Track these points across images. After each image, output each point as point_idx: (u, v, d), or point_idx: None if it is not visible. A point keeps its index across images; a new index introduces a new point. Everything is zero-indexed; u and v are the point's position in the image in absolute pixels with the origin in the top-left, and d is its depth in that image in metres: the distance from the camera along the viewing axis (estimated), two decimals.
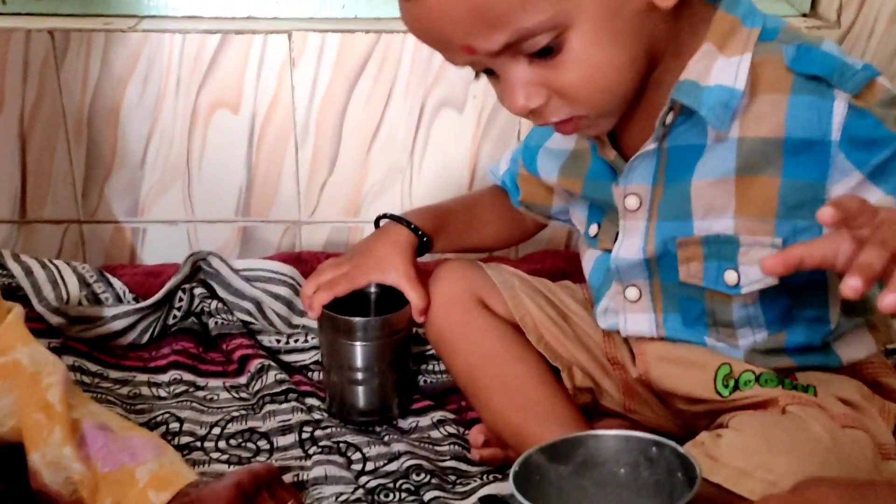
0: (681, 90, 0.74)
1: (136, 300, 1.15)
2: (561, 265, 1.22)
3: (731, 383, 0.81)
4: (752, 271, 0.76)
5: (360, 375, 0.97)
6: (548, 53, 0.69)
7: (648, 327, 0.85)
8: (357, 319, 0.94)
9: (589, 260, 0.89)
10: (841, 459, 0.72)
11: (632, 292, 0.84)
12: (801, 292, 0.78)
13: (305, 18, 1.26)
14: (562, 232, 1.30)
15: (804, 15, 1.27)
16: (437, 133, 1.25)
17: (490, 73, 0.73)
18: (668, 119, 0.75)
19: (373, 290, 0.97)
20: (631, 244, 0.81)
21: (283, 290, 1.16)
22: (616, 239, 0.83)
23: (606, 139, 0.81)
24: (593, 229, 0.87)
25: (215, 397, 1.04)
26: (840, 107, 0.71)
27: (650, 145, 0.77)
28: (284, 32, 1.21)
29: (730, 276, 0.77)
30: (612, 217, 0.84)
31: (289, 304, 1.15)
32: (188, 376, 1.07)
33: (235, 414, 1.01)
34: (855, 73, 0.71)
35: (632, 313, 0.85)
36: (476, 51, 0.69)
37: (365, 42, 1.21)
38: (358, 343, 0.95)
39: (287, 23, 1.24)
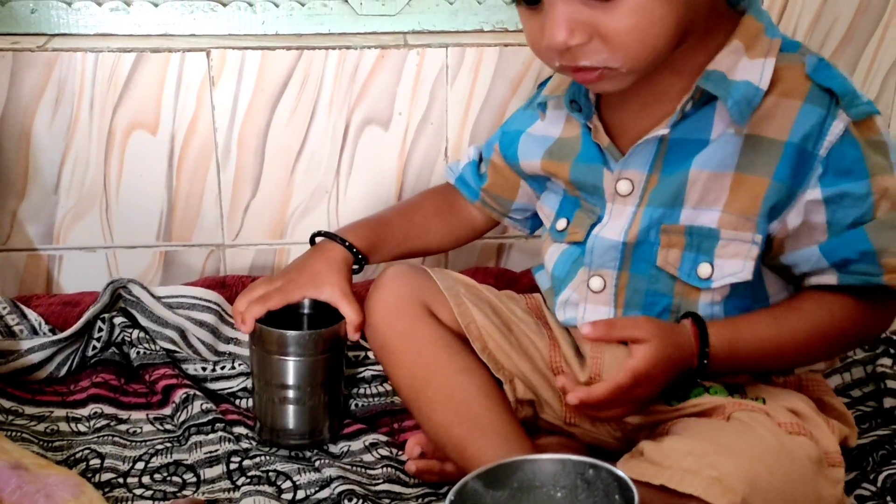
0: (710, 79, 0.76)
1: (53, 332, 1.11)
2: (492, 282, 1.20)
3: (681, 394, 0.82)
4: (728, 265, 0.78)
5: (291, 394, 0.95)
6: None
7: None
8: (290, 333, 0.93)
9: (554, 253, 0.89)
10: (786, 461, 0.73)
11: (596, 282, 0.84)
12: (765, 295, 0.80)
13: (224, 35, 1.24)
14: (492, 248, 1.30)
15: None
16: (362, 151, 1.24)
17: (532, 3, 0.74)
18: (688, 107, 0.77)
19: (306, 310, 0.96)
20: (615, 226, 0.82)
21: (208, 317, 1.13)
22: (592, 228, 0.84)
23: (600, 125, 0.83)
24: (561, 224, 0.88)
25: (138, 430, 1.01)
26: (838, 127, 0.75)
27: (662, 130, 0.78)
28: (203, 50, 1.18)
29: (703, 269, 0.79)
30: (588, 209, 0.85)
31: (214, 331, 1.13)
32: (109, 409, 1.03)
33: (160, 447, 0.97)
34: (862, 102, 0.76)
35: (591, 304, 0.85)
36: None
37: (286, 59, 1.19)
38: (290, 359, 0.94)
39: (205, 40, 1.22)
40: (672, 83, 0.78)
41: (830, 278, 0.77)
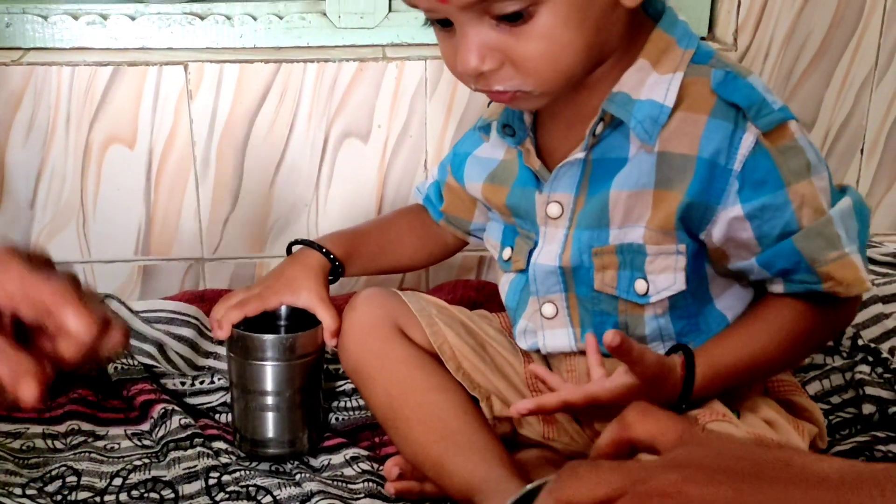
0: (613, 101, 0.76)
1: None
2: (472, 295, 1.21)
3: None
4: (660, 280, 0.78)
5: (269, 400, 0.94)
6: (515, 20, 0.71)
7: (567, 342, 0.85)
8: (268, 337, 0.93)
9: (504, 283, 0.89)
10: None
11: (548, 308, 0.84)
12: (709, 298, 0.80)
13: (202, 49, 1.23)
14: (472, 261, 1.30)
15: (702, 38, 1.29)
16: (342, 164, 1.23)
17: (445, 24, 0.74)
18: (598, 129, 0.77)
19: (283, 319, 0.96)
20: (549, 251, 0.82)
21: (187, 331, 1.12)
22: (531, 253, 0.84)
23: (532, 148, 0.82)
24: (506, 253, 0.88)
25: (116, 446, 0.99)
26: (748, 140, 0.74)
27: (578, 154, 0.78)
28: (180, 63, 1.18)
29: (640, 286, 0.79)
30: (525, 235, 0.85)
31: (193, 346, 1.12)
32: (86, 425, 1.02)
33: (138, 463, 0.96)
34: (771, 111, 0.74)
35: (549, 329, 0.85)
36: (450, 3, 0.70)
37: (264, 72, 1.19)
38: (268, 363, 0.93)
39: (183, 53, 1.21)
40: (592, 103, 0.78)
41: (778, 287, 0.78)
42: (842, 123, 1.31)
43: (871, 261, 1.22)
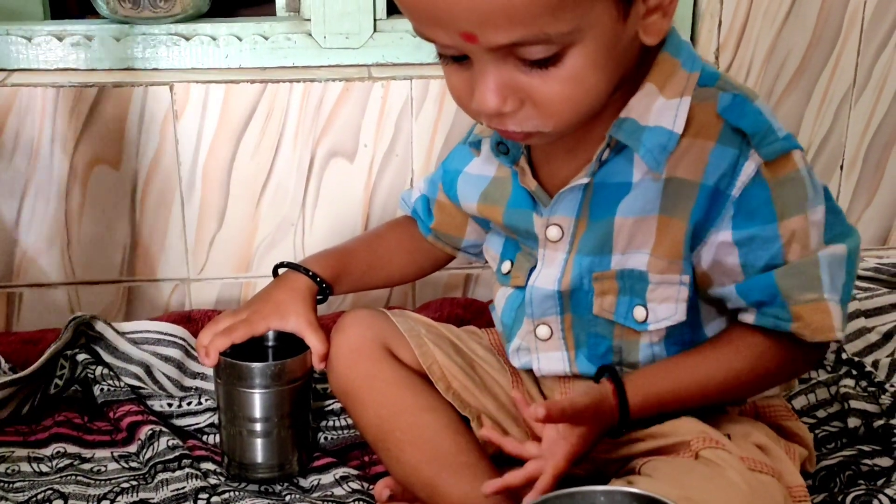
0: (621, 128, 0.74)
1: (14, 370, 1.09)
2: (460, 312, 1.21)
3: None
4: (660, 309, 0.77)
5: (258, 426, 0.94)
6: (543, 64, 0.67)
7: (562, 366, 0.84)
8: (256, 365, 0.92)
9: (501, 298, 0.88)
10: None
11: (542, 330, 0.84)
12: (700, 325, 0.80)
13: (187, 69, 1.23)
14: (459, 279, 1.30)
15: None
16: (328, 183, 1.24)
17: (460, 58, 0.70)
18: (605, 155, 0.76)
19: (270, 342, 0.95)
20: (548, 274, 0.81)
21: (174, 352, 1.12)
22: (531, 273, 0.83)
23: (528, 168, 0.81)
24: (506, 266, 0.87)
25: (103, 469, 0.98)
26: (750, 168, 0.73)
27: (583, 179, 0.77)
28: (166, 84, 1.18)
29: (639, 313, 0.78)
30: (527, 252, 0.84)
31: (179, 366, 1.11)
32: (73, 448, 1.01)
33: (125, 485, 0.95)
34: (776, 139, 0.73)
35: (544, 352, 0.85)
36: (478, 40, 0.65)
37: (250, 92, 1.19)
38: (256, 391, 0.92)
39: (168, 74, 1.21)
40: (597, 128, 0.76)
41: (749, 317, 0.77)
42: (822, 140, 1.33)
43: None
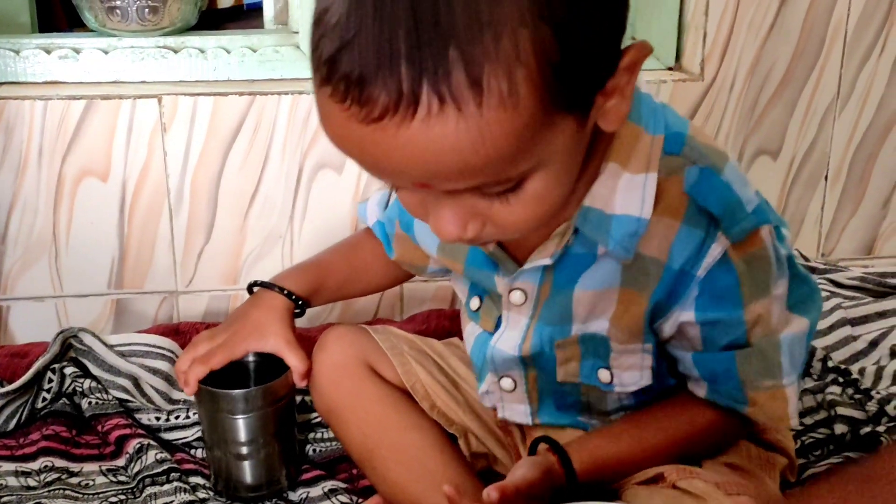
0: (588, 220, 0.71)
1: (1, 384, 1.08)
2: (446, 325, 1.21)
3: None
4: (625, 376, 0.77)
5: (244, 450, 0.93)
6: (503, 192, 0.61)
7: (524, 417, 0.84)
8: (236, 392, 0.91)
9: (470, 335, 0.86)
10: None
11: (507, 382, 0.83)
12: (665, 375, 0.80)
13: (175, 82, 1.24)
14: (447, 291, 1.30)
15: (669, 68, 1.32)
16: (316, 195, 1.24)
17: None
18: (570, 241, 0.73)
19: (251, 359, 0.94)
20: (510, 338, 0.80)
21: (162, 364, 1.11)
22: (498, 324, 0.81)
23: None
24: (475, 303, 0.84)
25: (91, 483, 0.98)
26: (716, 250, 0.70)
27: (545, 260, 0.74)
28: (154, 97, 1.18)
29: (603, 375, 0.78)
30: (495, 297, 0.81)
31: (168, 379, 1.11)
32: (60, 462, 1.00)
33: (113, 499, 0.95)
34: (745, 216, 0.70)
35: (508, 403, 0.84)
36: (433, 188, 0.60)
37: (238, 105, 1.19)
38: (240, 416, 0.91)
39: (156, 86, 1.21)
40: (562, 213, 0.71)
41: (700, 390, 0.77)
42: (806, 151, 1.34)
43: (839, 284, 1.25)
